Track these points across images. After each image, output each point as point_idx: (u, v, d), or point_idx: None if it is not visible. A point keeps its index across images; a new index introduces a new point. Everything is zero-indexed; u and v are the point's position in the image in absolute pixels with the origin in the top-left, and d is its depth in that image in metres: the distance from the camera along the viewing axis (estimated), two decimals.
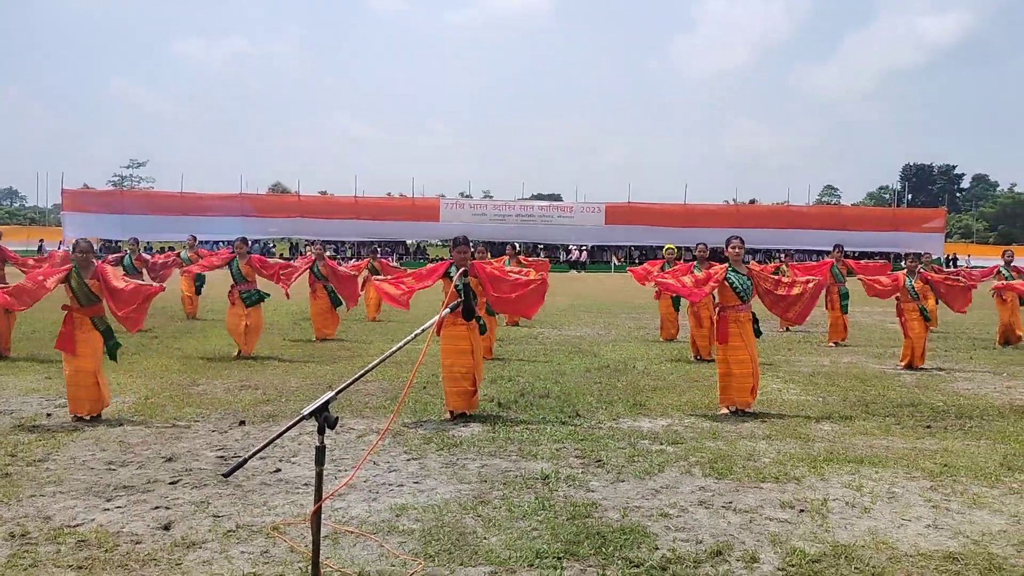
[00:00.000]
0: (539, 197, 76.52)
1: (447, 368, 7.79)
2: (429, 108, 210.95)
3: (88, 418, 7.47)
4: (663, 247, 15.43)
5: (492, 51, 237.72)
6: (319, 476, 3.08)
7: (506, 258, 15.71)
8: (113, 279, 7.84)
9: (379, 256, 19.27)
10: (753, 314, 8.32)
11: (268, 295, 12.53)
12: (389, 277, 8.32)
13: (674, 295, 12.06)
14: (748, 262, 8.67)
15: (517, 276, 8.30)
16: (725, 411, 8.12)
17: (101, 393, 7.56)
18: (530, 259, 18.11)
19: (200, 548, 4.40)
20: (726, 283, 8.21)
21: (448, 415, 7.76)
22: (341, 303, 14.30)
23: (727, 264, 8.35)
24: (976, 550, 4.49)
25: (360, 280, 15.06)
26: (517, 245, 17.67)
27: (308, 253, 15.96)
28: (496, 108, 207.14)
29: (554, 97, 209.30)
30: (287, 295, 13.12)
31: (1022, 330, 14.73)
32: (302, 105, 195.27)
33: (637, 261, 47.40)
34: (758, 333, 8.35)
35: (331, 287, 14.33)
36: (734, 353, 8.09)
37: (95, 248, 8.49)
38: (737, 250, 8.32)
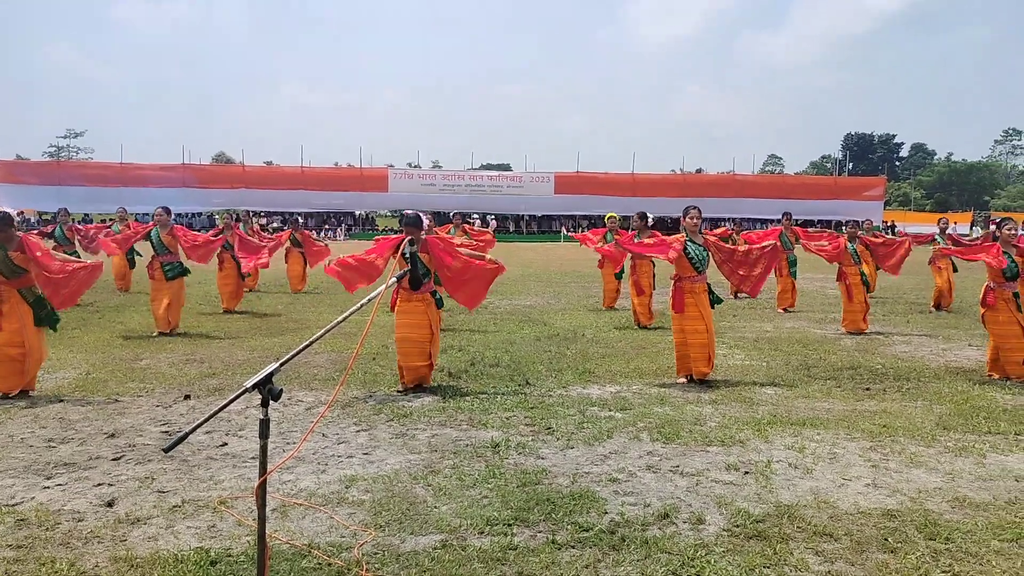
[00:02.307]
0: (488, 167, 76.17)
1: (400, 342, 7.67)
2: (378, 77, 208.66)
3: (13, 396, 7.25)
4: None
5: (442, 19, 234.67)
6: (263, 449, 3.03)
7: (451, 227, 15.64)
8: (41, 254, 7.58)
9: (300, 227, 18.89)
10: (709, 284, 8.38)
11: (189, 270, 12.05)
12: (346, 260, 7.81)
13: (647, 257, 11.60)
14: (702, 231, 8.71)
15: (473, 257, 8.11)
16: (682, 380, 8.19)
17: (24, 369, 7.32)
18: (475, 229, 18.01)
19: (145, 524, 4.32)
20: (683, 253, 8.23)
21: (400, 387, 7.70)
22: (245, 277, 14.15)
23: (683, 234, 8.37)
24: (913, 507, 4.64)
25: (283, 251, 14.75)
26: (463, 214, 17.48)
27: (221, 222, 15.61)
28: (445, 78, 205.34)
29: (504, 67, 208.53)
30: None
31: (953, 295, 15.22)
32: (247, 73, 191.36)
33: (584, 230, 47.63)
34: (715, 303, 8.39)
35: (236, 258, 13.92)
36: (690, 323, 8.13)
37: (31, 220, 8.21)
38: (695, 220, 8.27)
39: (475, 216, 41.39)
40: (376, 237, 8.05)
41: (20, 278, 7.50)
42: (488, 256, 8.31)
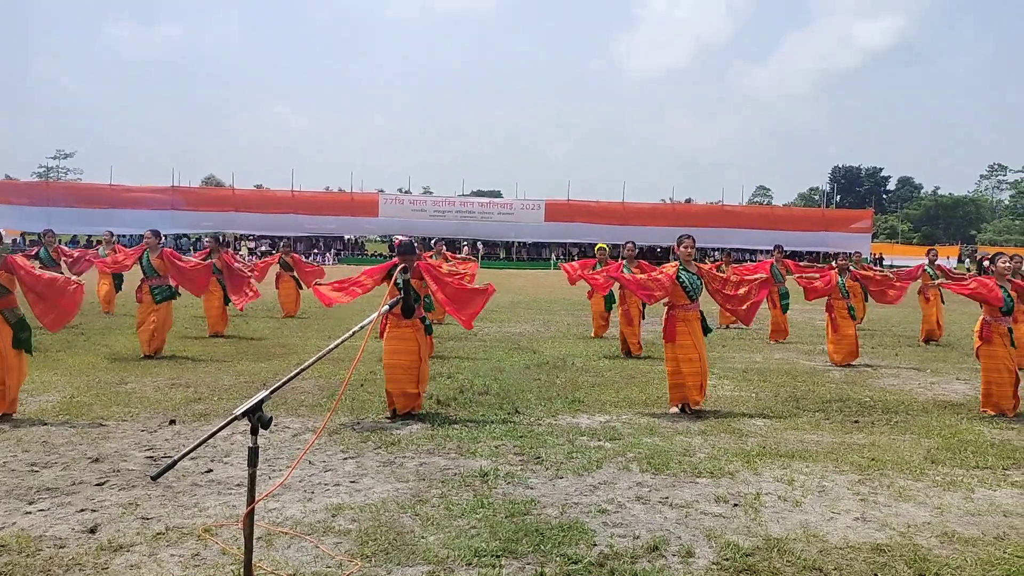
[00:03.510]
0: (479, 194, 76.53)
1: (390, 368, 7.63)
2: (368, 102, 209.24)
3: None
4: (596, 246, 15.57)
5: (434, 46, 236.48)
6: (252, 478, 3.00)
7: (432, 254, 15.67)
8: (24, 271, 7.54)
9: (291, 251, 18.86)
10: (701, 312, 8.39)
11: (179, 293, 12.03)
12: (334, 283, 7.98)
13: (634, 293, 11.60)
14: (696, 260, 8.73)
15: (462, 282, 8.22)
16: (675, 409, 8.16)
17: (8, 391, 7.26)
18: (456, 256, 18.03)
19: (128, 551, 4.26)
20: (676, 282, 8.24)
21: (389, 415, 7.66)
22: (228, 301, 14.15)
23: (677, 262, 8.39)
24: (902, 542, 4.63)
25: (273, 275, 14.73)
26: (446, 242, 17.44)
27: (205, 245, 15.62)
28: (437, 104, 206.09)
29: (495, 94, 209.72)
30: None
31: (943, 328, 15.29)
32: (238, 96, 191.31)
33: (575, 258, 47.76)
34: (707, 331, 8.42)
35: (224, 282, 13.99)
36: (683, 352, 8.13)
37: (16, 241, 8.18)
38: (689, 249, 8.32)
39: (465, 243, 41.38)
40: (365, 269, 8.08)
41: (3, 298, 7.44)
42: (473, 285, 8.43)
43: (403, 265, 7.56)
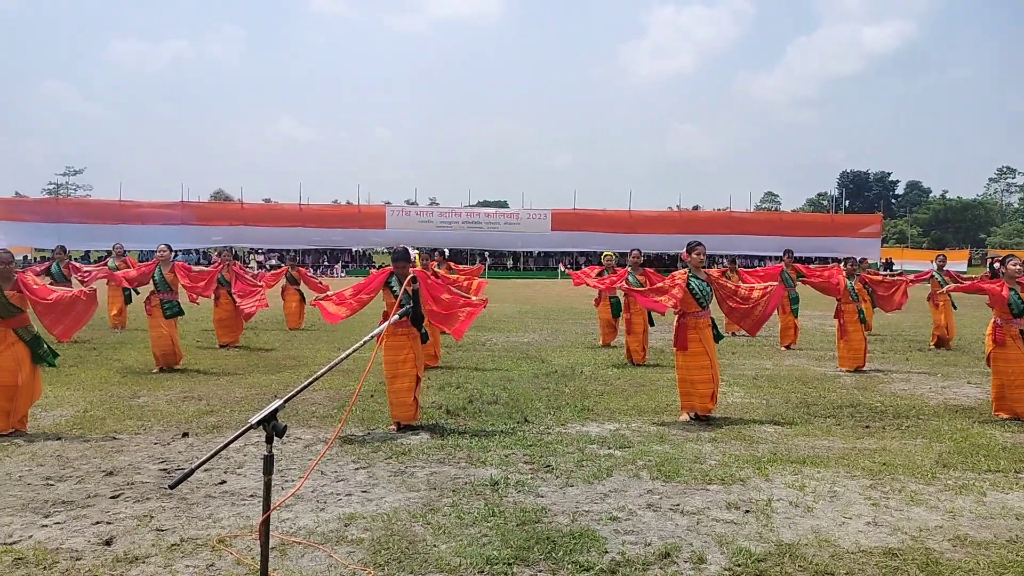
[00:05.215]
0: (485, 204, 76.54)
1: (389, 380, 7.65)
2: (374, 114, 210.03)
3: (6, 434, 7.23)
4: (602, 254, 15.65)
5: (438, 57, 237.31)
6: (267, 485, 3.04)
7: (435, 263, 15.68)
8: (36, 288, 7.61)
9: (297, 265, 19.02)
10: (712, 319, 8.41)
11: (183, 313, 11.99)
12: (331, 296, 8.01)
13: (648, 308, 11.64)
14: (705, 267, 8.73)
15: (459, 293, 8.21)
16: (685, 417, 8.16)
17: (17, 409, 7.33)
18: (461, 266, 18.02)
19: (143, 563, 4.30)
20: (687, 289, 8.24)
21: (394, 427, 7.68)
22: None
23: (687, 270, 8.41)
24: (914, 546, 4.63)
25: (279, 288, 14.86)
26: (446, 251, 17.43)
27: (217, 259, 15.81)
28: (442, 115, 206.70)
29: (500, 104, 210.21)
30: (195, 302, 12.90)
31: (954, 332, 15.25)
32: (245, 110, 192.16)
33: (582, 267, 47.78)
34: (718, 338, 8.42)
35: (232, 294, 14.19)
36: (694, 359, 8.13)
37: (28, 258, 8.27)
38: (701, 256, 8.35)
39: (480, 255, 41.51)
40: (354, 284, 8.09)
41: (15, 317, 7.52)
42: (472, 297, 8.42)
43: (411, 276, 7.61)
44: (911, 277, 15.03)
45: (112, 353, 13.09)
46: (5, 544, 4.56)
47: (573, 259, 59.59)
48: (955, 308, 15.27)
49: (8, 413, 7.30)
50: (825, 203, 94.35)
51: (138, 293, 17.06)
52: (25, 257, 51.69)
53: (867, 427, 7.94)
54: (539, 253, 62.67)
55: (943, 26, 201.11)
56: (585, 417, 8.25)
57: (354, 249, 62.72)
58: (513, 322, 19.57)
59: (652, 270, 13.27)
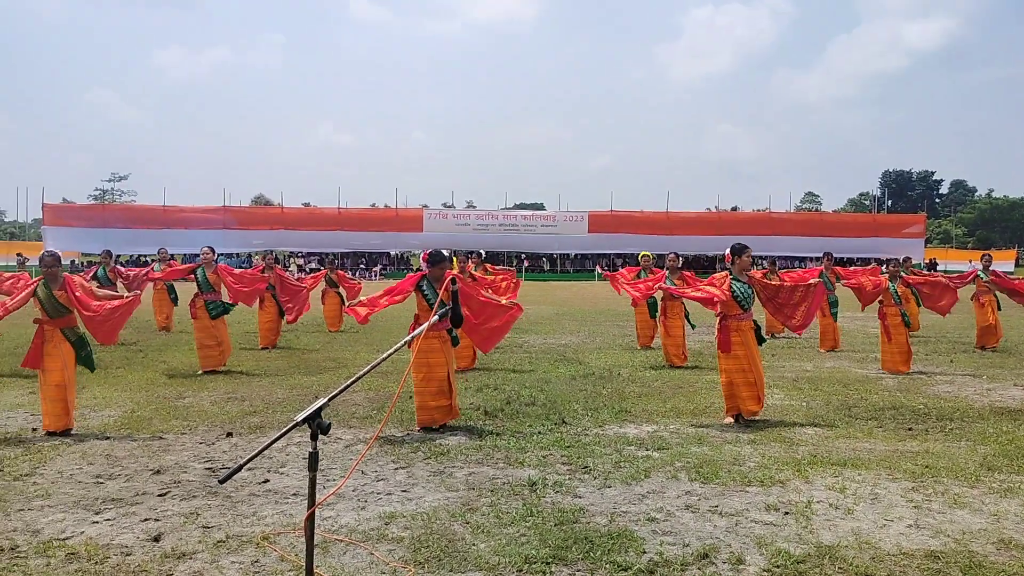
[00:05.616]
0: (522, 206, 76.83)
1: (420, 382, 7.64)
2: (412, 118, 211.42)
3: (59, 433, 7.43)
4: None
5: (475, 61, 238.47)
6: (312, 481, 3.11)
7: (472, 265, 15.70)
8: (82, 292, 7.82)
9: (336, 268, 19.30)
10: (755, 322, 8.36)
11: (233, 306, 12.23)
12: (363, 300, 8.11)
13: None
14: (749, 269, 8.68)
15: (492, 298, 8.26)
16: (729, 420, 8.10)
17: (67, 409, 7.52)
18: (497, 268, 18.14)
19: (190, 559, 4.41)
20: (728, 292, 8.21)
21: (417, 430, 7.66)
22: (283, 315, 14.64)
23: (728, 272, 8.38)
24: (957, 548, 4.57)
25: (319, 292, 15.12)
26: (483, 252, 17.56)
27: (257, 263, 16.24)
28: (479, 117, 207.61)
29: (537, 106, 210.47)
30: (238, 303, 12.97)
31: (1001, 333, 14.95)
32: (285, 116, 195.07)
33: (619, 268, 47.60)
34: (761, 340, 8.36)
35: (278, 297, 14.55)
36: (736, 362, 8.09)
37: (76, 263, 8.50)
38: (749, 259, 8.34)
39: (516, 257, 41.55)
40: (387, 288, 8.16)
41: (63, 317, 7.75)
42: (504, 301, 8.44)
43: (451, 277, 7.68)
44: (956, 277, 14.69)
45: (158, 355, 13.37)
46: (59, 540, 4.71)
47: (610, 261, 59.39)
48: (999, 308, 14.98)
49: (66, 411, 7.50)
50: (867, 203, 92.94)
51: (176, 295, 17.51)
52: (72, 261, 52.98)
53: (910, 429, 7.83)
54: (576, 255, 62.58)
55: (987, 21, 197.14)
56: (623, 419, 8.25)
57: (392, 252, 63.20)
58: (550, 324, 19.60)
59: (691, 273, 13.21)
